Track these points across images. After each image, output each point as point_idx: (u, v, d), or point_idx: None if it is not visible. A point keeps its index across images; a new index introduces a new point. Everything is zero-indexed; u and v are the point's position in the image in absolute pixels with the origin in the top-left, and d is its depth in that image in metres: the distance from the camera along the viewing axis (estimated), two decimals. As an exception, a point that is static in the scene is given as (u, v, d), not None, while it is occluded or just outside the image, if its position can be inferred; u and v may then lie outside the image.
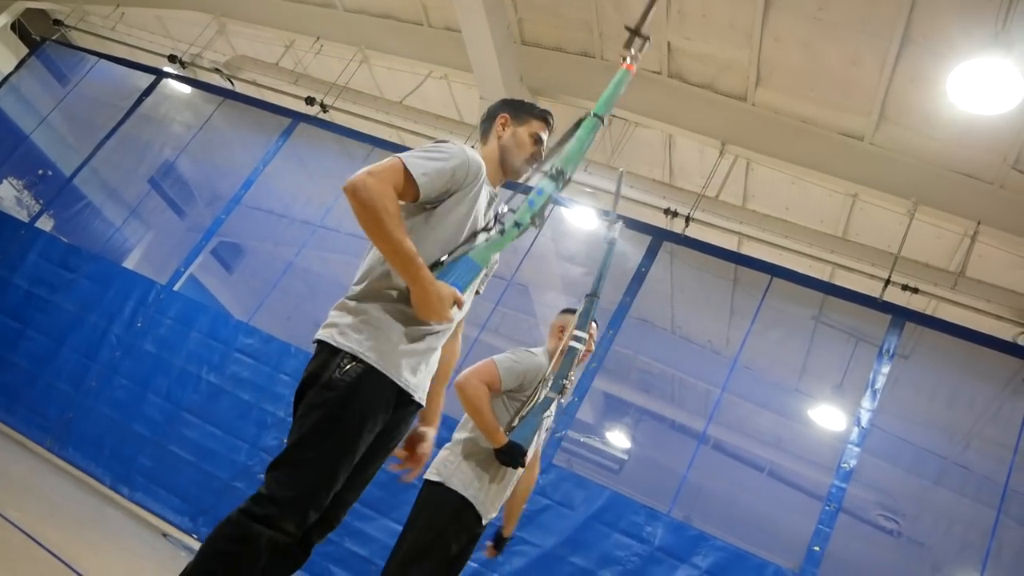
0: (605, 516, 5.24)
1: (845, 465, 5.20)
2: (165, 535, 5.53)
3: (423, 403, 2.33)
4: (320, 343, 2.22)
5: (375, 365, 2.14)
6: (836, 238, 6.81)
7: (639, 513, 5.23)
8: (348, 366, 2.12)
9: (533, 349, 3.73)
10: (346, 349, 2.14)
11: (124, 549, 4.48)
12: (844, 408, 8.04)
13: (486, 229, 2.41)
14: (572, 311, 3.82)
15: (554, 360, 3.45)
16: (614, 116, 7.17)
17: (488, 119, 2.61)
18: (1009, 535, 5.44)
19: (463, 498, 3.28)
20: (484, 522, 3.39)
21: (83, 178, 8.57)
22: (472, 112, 7.96)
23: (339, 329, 2.20)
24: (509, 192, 2.59)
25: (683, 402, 11.03)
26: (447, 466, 3.37)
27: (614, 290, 6.40)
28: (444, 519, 3.26)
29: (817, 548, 4.95)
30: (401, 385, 2.20)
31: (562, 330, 3.75)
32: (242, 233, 10.69)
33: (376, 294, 2.23)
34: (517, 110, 2.61)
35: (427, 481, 3.39)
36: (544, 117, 2.62)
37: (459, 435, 3.48)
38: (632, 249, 6.41)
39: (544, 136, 2.59)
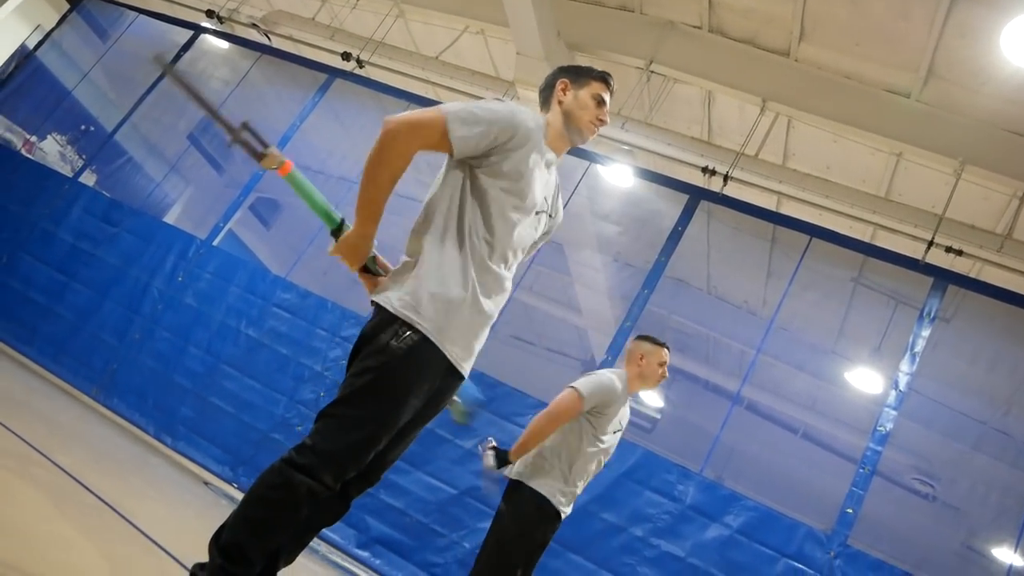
0: (637, 474, 5.27)
1: (881, 428, 5.16)
2: (206, 483, 5.68)
3: (466, 375, 2.36)
4: (378, 306, 2.24)
5: (431, 337, 2.16)
6: (878, 198, 6.66)
7: (671, 472, 5.26)
8: (405, 334, 2.14)
9: (612, 373, 3.83)
10: (403, 318, 2.16)
11: (167, 496, 4.61)
12: (881, 371, 7.95)
13: (538, 213, 2.42)
14: (649, 338, 3.95)
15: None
16: (652, 72, 7.06)
17: (547, 88, 2.57)
18: (1047, 501, 5.38)
19: (543, 496, 3.47)
20: (562, 517, 3.56)
21: (124, 134, 8.67)
22: (508, 67, 7.87)
23: (399, 295, 2.21)
24: (568, 162, 2.54)
25: (717, 363, 10.96)
26: (527, 466, 3.56)
27: (649, 248, 6.36)
28: (527, 516, 3.47)
29: (850, 510, 4.94)
30: (452, 360, 2.23)
31: (642, 358, 3.88)
32: (279, 189, 10.74)
33: (436, 264, 2.23)
34: (576, 74, 2.56)
35: (510, 480, 3.58)
36: (604, 78, 2.56)
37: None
38: (669, 207, 6.35)
39: (606, 97, 2.53)
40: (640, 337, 4.01)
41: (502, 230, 2.29)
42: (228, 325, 6.42)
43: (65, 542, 2.45)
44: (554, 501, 3.49)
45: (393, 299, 2.21)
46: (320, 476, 2.06)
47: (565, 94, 2.52)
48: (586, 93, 2.51)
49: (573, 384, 3.66)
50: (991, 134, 5.95)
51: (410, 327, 2.15)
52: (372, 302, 2.27)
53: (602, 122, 2.51)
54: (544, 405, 5.45)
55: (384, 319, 2.19)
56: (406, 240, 2.33)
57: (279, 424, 5.96)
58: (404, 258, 2.31)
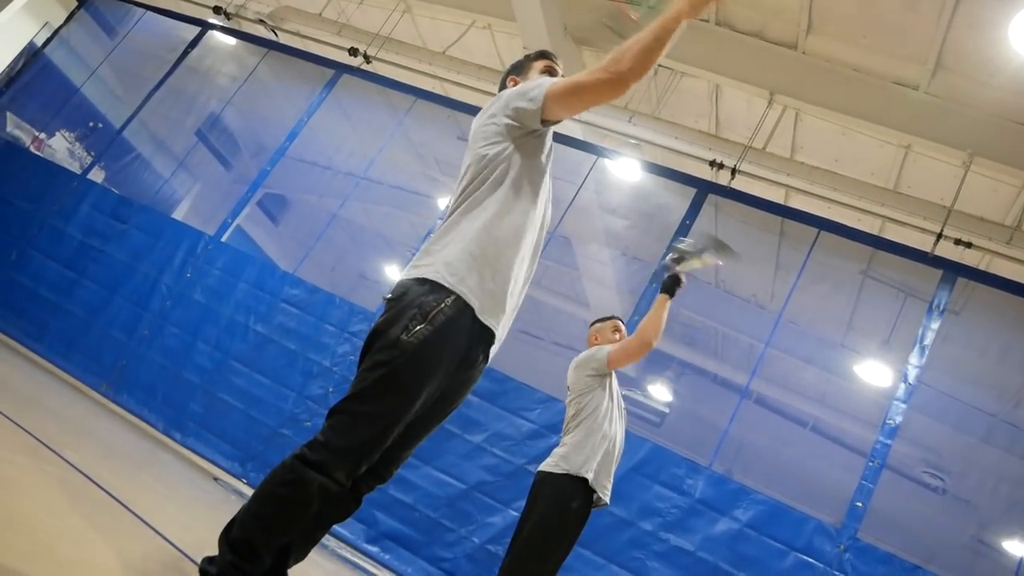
0: (646, 468, 5.28)
1: (891, 421, 5.14)
2: (216, 479, 5.70)
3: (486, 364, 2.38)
4: (390, 298, 2.24)
5: (440, 329, 2.15)
6: (887, 191, 6.63)
7: (680, 466, 5.26)
8: (416, 328, 2.14)
9: None
10: (413, 310, 2.16)
11: (177, 491, 4.63)
12: (891, 364, 7.93)
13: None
14: (598, 319, 4.18)
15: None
16: (659, 66, 7.03)
17: (502, 88, 2.64)
18: (1057, 494, 5.36)
19: (579, 478, 3.47)
20: (599, 497, 3.57)
21: (132, 130, 8.70)
22: (515, 62, 7.86)
23: (410, 284, 2.22)
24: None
25: (726, 356, 10.96)
26: (560, 457, 3.56)
27: (657, 243, 6.35)
28: (564, 499, 3.46)
29: (860, 504, 4.93)
30: (464, 352, 2.22)
31: (596, 338, 4.05)
32: (287, 185, 10.79)
33: (455, 256, 2.23)
34: (519, 66, 2.68)
35: (541, 472, 3.58)
36: (543, 54, 2.66)
37: (566, 438, 3.65)
38: (676, 201, 6.33)
39: (556, 67, 2.63)
40: (592, 323, 4.20)
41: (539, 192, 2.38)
42: (237, 321, 6.44)
43: (76, 537, 2.46)
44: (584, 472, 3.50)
45: (406, 287, 2.22)
46: (332, 473, 2.06)
47: (516, 85, 2.56)
48: (534, 73, 2.61)
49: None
50: (1000, 126, 5.91)
51: (422, 319, 2.13)
52: (384, 299, 2.27)
53: None
54: (553, 399, 5.49)
55: (395, 312, 2.18)
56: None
57: (288, 420, 5.99)
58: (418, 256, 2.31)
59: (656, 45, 2.18)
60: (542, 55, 2.67)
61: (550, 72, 2.62)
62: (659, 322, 3.75)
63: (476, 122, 2.46)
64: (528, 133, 2.35)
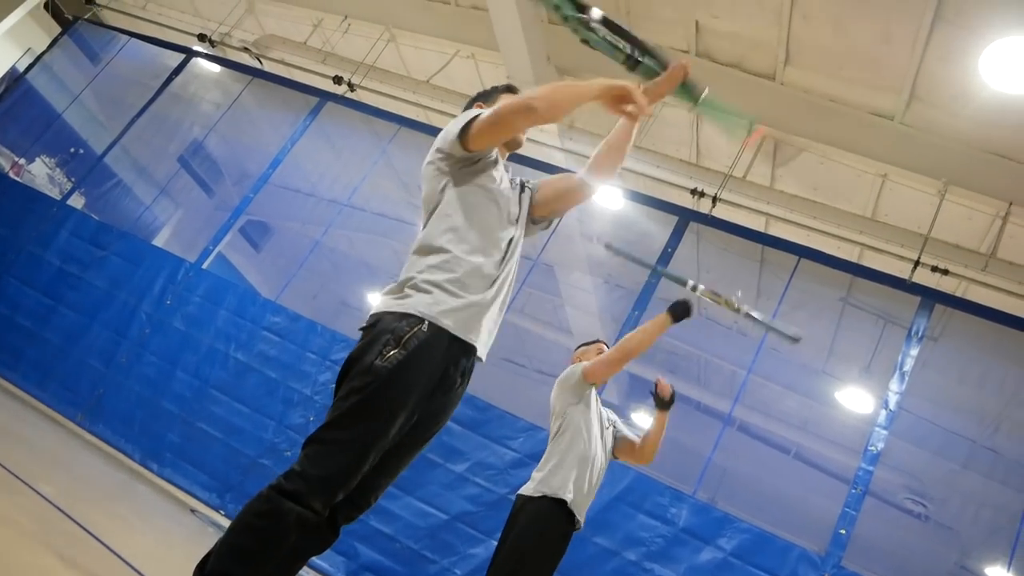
0: (630, 497, 5.25)
1: (872, 448, 5.16)
2: (193, 511, 5.62)
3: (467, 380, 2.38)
4: (366, 327, 2.27)
5: (414, 353, 2.17)
6: (865, 219, 6.71)
7: (664, 494, 5.24)
8: (390, 353, 2.15)
9: None
10: (387, 335, 2.18)
11: (153, 524, 4.56)
12: (872, 390, 7.97)
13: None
14: (583, 344, 4.14)
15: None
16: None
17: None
18: (1038, 520, 5.38)
19: (557, 500, 3.43)
20: (577, 520, 3.53)
21: (114, 156, 8.67)
22: (498, 91, 7.91)
23: (382, 314, 2.24)
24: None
25: (709, 383, 10.97)
26: (538, 481, 3.53)
27: (639, 271, 6.37)
28: (542, 522, 3.42)
29: (843, 531, 4.93)
30: (440, 375, 2.24)
31: (578, 360, 3.99)
32: (270, 212, 10.77)
33: (418, 287, 2.27)
34: (487, 94, 2.73)
35: (519, 496, 3.55)
36: (510, 88, 2.72)
37: (544, 459, 3.63)
38: (658, 229, 6.37)
39: None
40: (577, 347, 4.17)
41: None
42: (217, 349, 6.39)
43: (49, 573, 2.42)
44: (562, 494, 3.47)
45: (378, 317, 2.24)
46: (309, 502, 2.04)
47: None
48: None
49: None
50: (973, 155, 6.01)
51: (396, 344, 2.15)
52: (360, 328, 2.28)
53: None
54: (536, 427, 5.46)
55: (369, 339, 2.20)
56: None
57: (267, 449, 5.92)
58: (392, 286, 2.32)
59: (575, 98, 2.33)
60: (508, 89, 2.73)
61: None
62: (649, 339, 3.67)
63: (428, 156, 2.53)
64: (461, 162, 2.41)
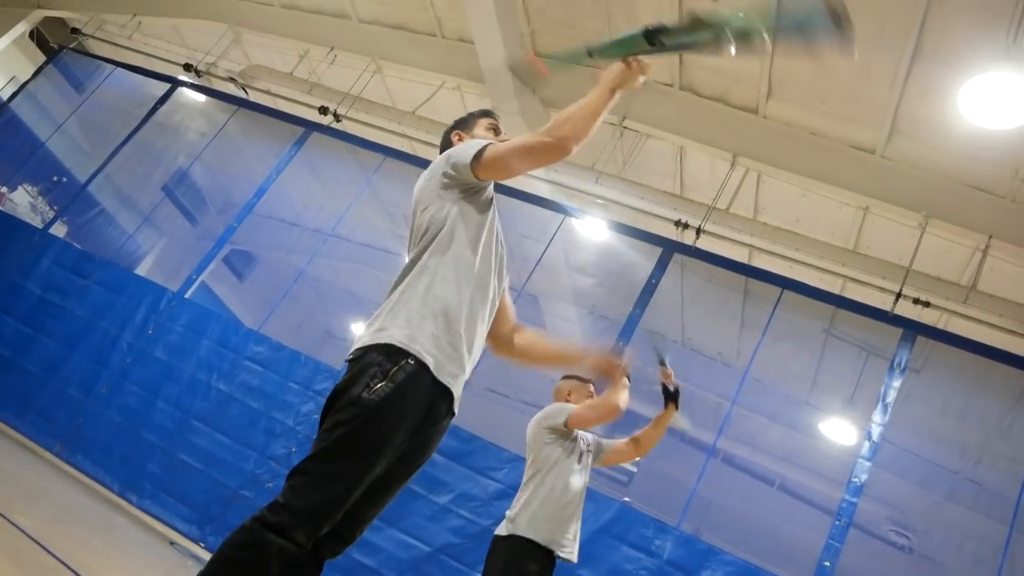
0: (614, 529, 5.22)
1: (856, 479, 5.16)
2: (172, 543, 5.53)
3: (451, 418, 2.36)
4: (352, 359, 2.23)
5: (401, 387, 2.15)
6: (847, 251, 6.78)
7: (648, 526, 5.21)
8: (377, 386, 2.13)
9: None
10: (374, 368, 2.15)
11: (131, 556, 4.48)
12: (855, 422, 7.99)
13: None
14: (573, 376, 4.05)
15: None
16: (625, 128, 7.19)
17: (445, 144, 2.69)
18: (1022, 551, 5.39)
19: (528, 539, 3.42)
20: (558, 554, 3.51)
21: (97, 185, 8.64)
22: (483, 123, 7.98)
23: (369, 346, 2.21)
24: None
25: (693, 414, 10.92)
26: (508, 520, 3.53)
27: (624, 301, 6.39)
28: (516, 562, 3.41)
29: (827, 563, 4.91)
30: (426, 408, 2.22)
31: (569, 393, 3.97)
32: (254, 241, 10.74)
33: (406, 319, 2.25)
34: (464, 121, 2.73)
35: (494, 536, 3.53)
36: (487, 113, 2.74)
37: (516, 498, 3.62)
38: (643, 260, 6.40)
39: (500, 125, 2.71)
40: (565, 376, 4.10)
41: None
42: (199, 379, 6.33)
43: (23, 606, 2.36)
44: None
45: (363, 350, 2.21)
46: (293, 535, 2.00)
47: (461, 140, 2.63)
48: (480, 129, 2.67)
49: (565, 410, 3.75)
50: (953, 189, 6.10)
51: (383, 377, 2.13)
52: (347, 360, 2.26)
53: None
54: (520, 459, 5.43)
55: (356, 370, 2.18)
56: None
57: (249, 481, 5.85)
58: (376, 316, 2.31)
59: (594, 114, 2.27)
60: (485, 113, 2.74)
61: (495, 131, 2.69)
62: (655, 437, 3.83)
63: (419, 184, 2.50)
64: (467, 190, 2.39)
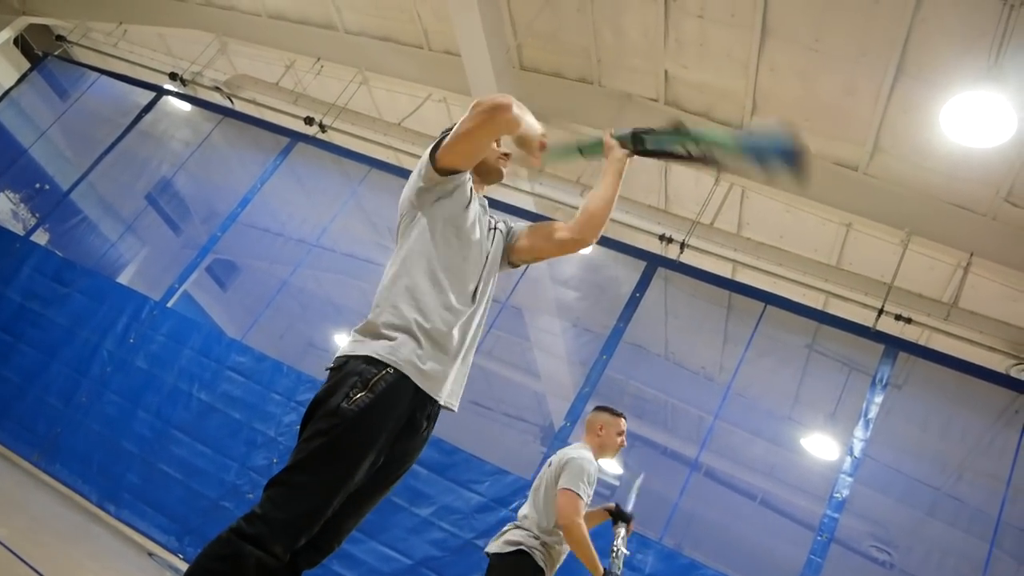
0: (596, 542, 5.18)
1: (838, 495, 5.18)
2: (151, 554, 5.47)
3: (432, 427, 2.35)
4: (332, 368, 2.24)
5: (381, 397, 2.14)
6: (830, 267, 6.83)
7: (630, 540, 5.19)
8: (357, 396, 2.12)
9: (582, 451, 3.93)
10: (354, 378, 2.15)
11: (109, 568, 4.43)
12: (837, 437, 8.02)
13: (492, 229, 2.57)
14: (607, 409, 4.07)
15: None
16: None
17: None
18: (1002, 568, 5.42)
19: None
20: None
21: (80, 193, 8.58)
22: (470, 135, 7.99)
23: (349, 356, 2.21)
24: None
25: (675, 429, 10.98)
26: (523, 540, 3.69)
27: (608, 314, 6.41)
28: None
29: (809, 579, 4.91)
30: (406, 418, 2.21)
31: (601, 428, 4.00)
32: (237, 251, 10.68)
33: (385, 328, 2.24)
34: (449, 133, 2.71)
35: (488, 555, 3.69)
36: None
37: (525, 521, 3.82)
38: (627, 274, 6.42)
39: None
40: (598, 408, 4.12)
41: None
42: (180, 389, 6.28)
43: (-4, 618, 2.33)
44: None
45: (345, 359, 2.21)
46: (270, 546, 1.99)
47: None
48: None
49: (568, 487, 3.78)
50: (935, 206, 6.16)
51: (363, 387, 2.12)
52: (327, 369, 2.25)
53: (507, 156, 2.65)
54: (503, 471, 5.41)
55: (336, 380, 2.17)
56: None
57: (229, 491, 5.80)
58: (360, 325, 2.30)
59: (523, 116, 2.40)
60: None
61: None
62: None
63: (401, 195, 2.52)
64: (442, 194, 2.40)
